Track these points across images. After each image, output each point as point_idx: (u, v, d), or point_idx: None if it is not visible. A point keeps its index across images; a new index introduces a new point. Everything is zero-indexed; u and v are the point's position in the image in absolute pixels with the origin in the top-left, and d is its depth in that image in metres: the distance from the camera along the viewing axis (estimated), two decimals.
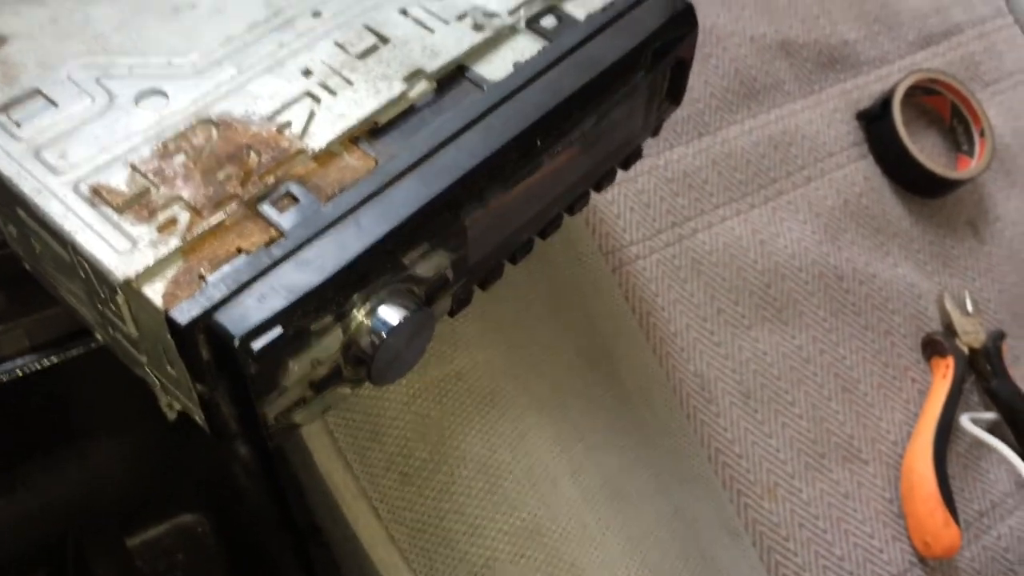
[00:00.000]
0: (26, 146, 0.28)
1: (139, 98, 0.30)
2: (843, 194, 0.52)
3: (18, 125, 0.28)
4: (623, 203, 0.46)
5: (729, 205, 0.49)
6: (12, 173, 0.27)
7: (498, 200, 0.31)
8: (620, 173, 0.41)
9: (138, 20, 0.32)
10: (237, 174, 0.28)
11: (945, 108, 0.56)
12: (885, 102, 0.53)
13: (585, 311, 0.42)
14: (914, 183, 0.54)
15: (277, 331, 0.25)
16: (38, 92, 0.29)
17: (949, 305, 0.52)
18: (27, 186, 0.27)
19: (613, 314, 0.43)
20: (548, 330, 0.40)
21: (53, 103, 0.29)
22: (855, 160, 0.53)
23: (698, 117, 0.50)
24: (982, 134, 0.55)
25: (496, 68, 0.32)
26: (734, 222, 0.49)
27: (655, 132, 0.38)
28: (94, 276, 0.26)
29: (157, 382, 0.30)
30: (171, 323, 0.25)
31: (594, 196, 0.44)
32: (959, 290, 0.53)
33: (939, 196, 0.54)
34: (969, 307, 0.53)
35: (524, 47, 0.33)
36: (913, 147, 0.53)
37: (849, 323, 0.50)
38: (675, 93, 0.38)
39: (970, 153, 0.56)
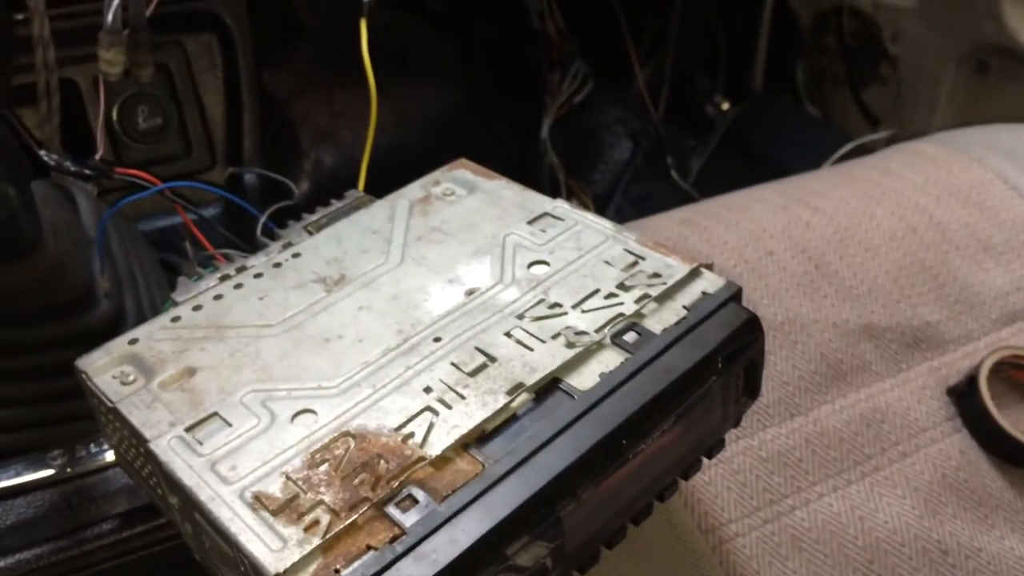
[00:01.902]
0: (205, 460, 0.35)
1: (294, 416, 0.37)
2: (940, 468, 0.54)
3: (200, 443, 0.36)
4: (720, 483, 0.50)
5: (825, 482, 0.52)
6: (193, 484, 0.34)
7: (590, 494, 0.35)
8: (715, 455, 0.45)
9: (296, 351, 0.40)
10: (369, 480, 0.34)
11: None
12: (971, 379, 0.56)
13: None
14: (1012, 456, 0.55)
15: None
16: (217, 415, 0.37)
17: None
18: (204, 495, 0.34)
19: None
20: None
21: (228, 423, 0.36)
22: (949, 435, 0.56)
23: (788, 399, 0.54)
24: None
25: (585, 379, 0.38)
26: (832, 498, 0.51)
27: (736, 424, 0.43)
28: (251, 570, 0.32)
29: None
30: None
31: (692, 477, 0.48)
32: None
33: None
34: None
35: (609, 360, 0.38)
36: (1005, 421, 0.55)
37: None
38: (751, 390, 0.42)
39: None
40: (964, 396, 0.57)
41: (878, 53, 1.22)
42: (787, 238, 0.62)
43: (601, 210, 1.30)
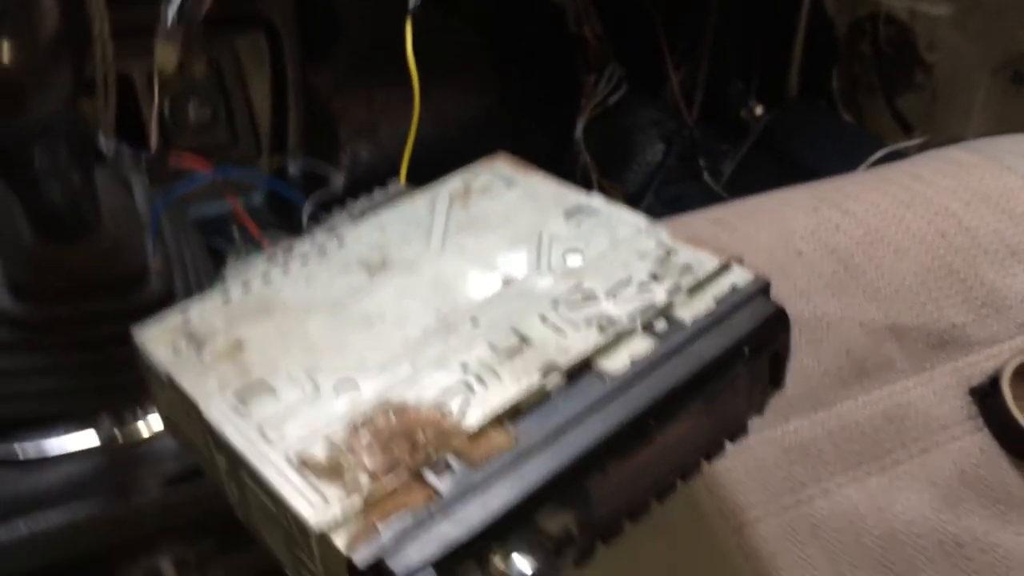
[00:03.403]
0: (253, 424, 0.37)
1: (338, 389, 0.39)
2: (960, 465, 0.55)
3: (248, 409, 0.38)
4: (742, 470, 0.51)
5: (845, 473, 0.53)
6: (241, 445, 0.36)
7: (617, 470, 0.37)
8: (738, 444, 0.47)
9: (342, 330, 0.42)
10: (408, 448, 0.36)
11: None
12: (994, 380, 0.57)
13: (706, 569, 0.46)
14: None
15: (430, 572, 0.32)
16: (265, 383, 0.39)
17: None
18: (251, 455, 0.36)
19: (732, 573, 0.47)
20: None
21: (275, 393, 0.39)
22: (971, 433, 0.57)
23: (812, 393, 0.55)
24: None
25: (616, 363, 0.39)
26: (851, 490, 0.53)
27: (760, 411, 0.44)
28: (295, 526, 0.34)
29: None
30: (351, 565, 0.32)
31: (715, 462, 0.49)
32: None
33: None
34: None
35: (640, 346, 0.40)
36: None
37: None
38: (776, 379, 0.44)
39: None
40: (986, 396, 0.58)
41: (913, 60, 1.23)
42: (816, 239, 0.63)
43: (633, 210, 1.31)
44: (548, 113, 1.41)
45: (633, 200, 1.32)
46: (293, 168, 0.82)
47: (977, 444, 0.56)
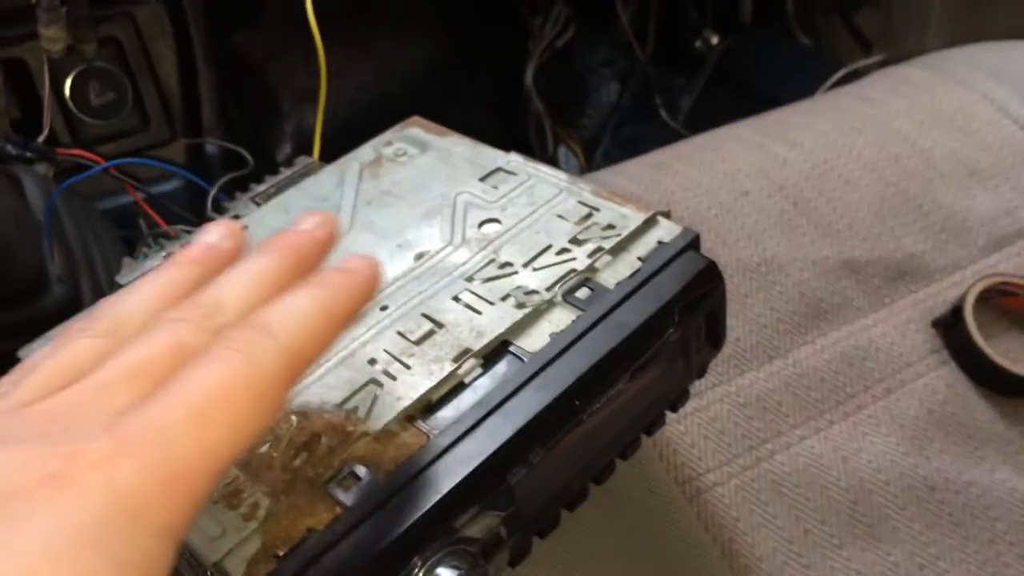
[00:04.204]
0: None
1: None
2: (926, 403, 0.52)
3: None
4: (696, 432, 0.49)
5: (807, 424, 0.51)
6: None
7: (543, 459, 0.34)
8: (691, 404, 0.44)
9: None
10: (310, 459, 0.33)
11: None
12: (957, 309, 0.54)
13: (662, 543, 0.44)
14: (1000, 386, 0.53)
15: None
16: None
17: None
18: None
19: (692, 544, 0.45)
20: (623, 566, 0.42)
21: None
22: (935, 368, 0.54)
23: (767, 342, 0.53)
24: None
25: (535, 340, 0.36)
26: (813, 441, 0.50)
27: (700, 375, 0.41)
28: (192, 559, 0.31)
29: None
30: None
31: (666, 427, 0.46)
32: None
33: None
34: None
35: (560, 318, 0.37)
36: (992, 351, 0.53)
37: (948, 535, 0.49)
38: (714, 339, 0.41)
39: None
40: (949, 327, 0.55)
41: None
42: (763, 176, 0.60)
43: (590, 155, 1.27)
44: (496, 61, 1.36)
45: (590, 145, 1.28)
46: (211, 148, 0.78)
47: (943, 379, 0.54)
